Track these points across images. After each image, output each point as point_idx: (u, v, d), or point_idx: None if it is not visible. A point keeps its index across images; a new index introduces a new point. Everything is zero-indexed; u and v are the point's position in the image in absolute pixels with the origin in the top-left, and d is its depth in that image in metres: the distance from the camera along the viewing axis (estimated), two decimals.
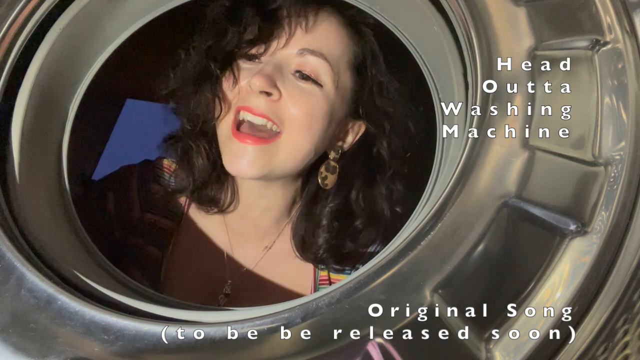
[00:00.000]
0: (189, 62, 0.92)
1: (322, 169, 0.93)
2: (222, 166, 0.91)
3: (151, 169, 1.01)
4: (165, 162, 1.01)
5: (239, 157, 0.85)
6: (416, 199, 0.72)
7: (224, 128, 0.88)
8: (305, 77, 0.86)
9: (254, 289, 0.98)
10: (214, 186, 0.95)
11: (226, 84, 0.88)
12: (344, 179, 0.94)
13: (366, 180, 0.95)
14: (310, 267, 0.98)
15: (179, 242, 0.99)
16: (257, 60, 0.88)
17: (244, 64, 0.88)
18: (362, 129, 0.94)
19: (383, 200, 0.95)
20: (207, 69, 0.89)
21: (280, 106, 0.84)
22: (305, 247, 0.96)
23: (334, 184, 0.94)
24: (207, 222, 1.00)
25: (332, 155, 0.93)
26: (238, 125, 0.86)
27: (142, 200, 0.99)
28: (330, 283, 0.97)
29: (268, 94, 0.83)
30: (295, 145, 0.86)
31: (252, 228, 0.99)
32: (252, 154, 0.84)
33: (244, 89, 0.86)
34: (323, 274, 0.99)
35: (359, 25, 0.91)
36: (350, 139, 0.95)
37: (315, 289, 0.98)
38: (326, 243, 0.94)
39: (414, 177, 0.92)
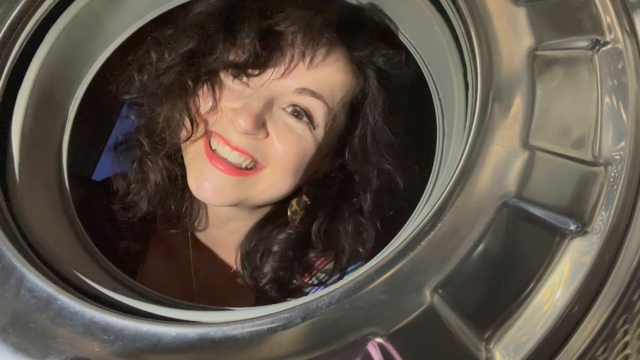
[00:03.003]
0: (160, 66, 0.79)
1: (294, 203, 0.84)
2: (183, 182, 0.81)
3: (110, 189, 0.89)
4: (122, 180, 0.88)
5: (206, 181, 0.74)
6: (416, 198, 0.72)
7: (193, 148, 0.77)
8: (297, 116, 0.75)
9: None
10: (175, 203, 0.84)
11: (201, 102, 0.76)
12: (310, 210, 0.85)
13: (333, 215, 0.85)
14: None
15: (148, 264, 0.89)
16: (243, 81, 0.76)
17: (227, 80, 0.76)
18: (338, 162, 0.86)
19: (347, 237, 0.85)
20: (181, 81, 0.76)
21: (265, 144, 0.74)
22: (249, 266, 0.85)
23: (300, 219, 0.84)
24: (174, 241, 0.90)
25: (305, 189, 0.84)
26: (210, 146, 0.76)
27: (117, 227, 0.88)
28: None
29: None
30: (276, 183, 0.77)
31: (219, 248, 0.90)
32: (222, 181, 0.73)
33: (224, 114, 0.75)
34: None
35: (367, 68, 0.80)
36: (323, 170, 0.86)
37: None
38: (273, 273, 0.83)
39: (413, 176, 0.92)
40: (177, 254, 0.91)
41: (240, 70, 0.74)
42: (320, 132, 0.77)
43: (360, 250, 0.85)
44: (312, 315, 0.54)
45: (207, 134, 0.76)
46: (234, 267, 0.89)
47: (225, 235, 0.89)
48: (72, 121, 0.80)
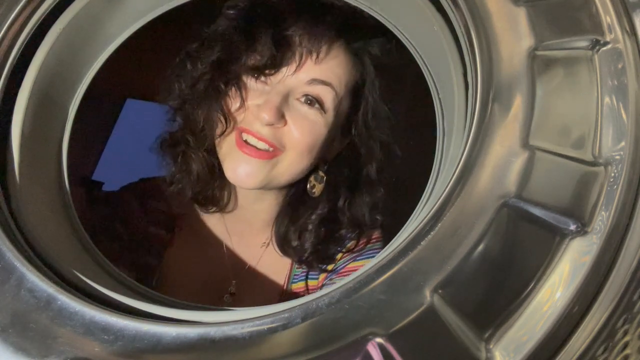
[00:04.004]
0: (195, 74, 0.93)
1: (312, 179, 0.98)
2: (220, 170, 0.94)
3: (148, 187, 1.05)
4: (159, 180, 1.03)
5: (241, 168, 0.88)
6: (416, 198, 0.72)
7: (226, 142, 0.91)
8: (310, 104, 0.88)
9: (255, 284, 1.02)
10: (213, 188, 0.98)
11: (232, 102, 0.90)
12: (332, 188, 0.99)
13: (352, 189, 1.00)
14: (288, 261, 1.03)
15: (177, 248, 1.02)
16: (262, 80, 0.89)
17: (250, 82, 0.90)
18: (347, 141, 0.99)
19: (366, 208, 0.99)
20: (214, 85, 0.91)
21: (283, 131, 0.88)
22: (286, 245, 1.00)
23: (321, 192, 0.98)
24: (205, 225, 1.04)
25: (320, 166, 0.98)
26: (242, 138, 0.89)
27: (146, 217, 1.02)
28: (307, 278, 1.03)
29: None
30: (293, 164, 0.90)
31: (248, 227, 1.03)
32: (253, 165, 0.87)
33: (250, 111, 0.88)
34: (299, 271, 1.03)
35: (364, 57, 0.94)
36: (335, 149, 0.99)
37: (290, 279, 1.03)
38: (312, 247, 0.99)
39: (413, 177, 0.92)
40: (205, 236, 1.04)
41: (260, 71, 0.88)
42: (330, 115, 0.90)
43: (378, 217, 1.01)
44: (312, 315, 0.54)
45: (237, 130, 0.90)
46: (264, 243, 1.03)
47: (252, 214, 1.02)
48: (72, 121, 0.81)
